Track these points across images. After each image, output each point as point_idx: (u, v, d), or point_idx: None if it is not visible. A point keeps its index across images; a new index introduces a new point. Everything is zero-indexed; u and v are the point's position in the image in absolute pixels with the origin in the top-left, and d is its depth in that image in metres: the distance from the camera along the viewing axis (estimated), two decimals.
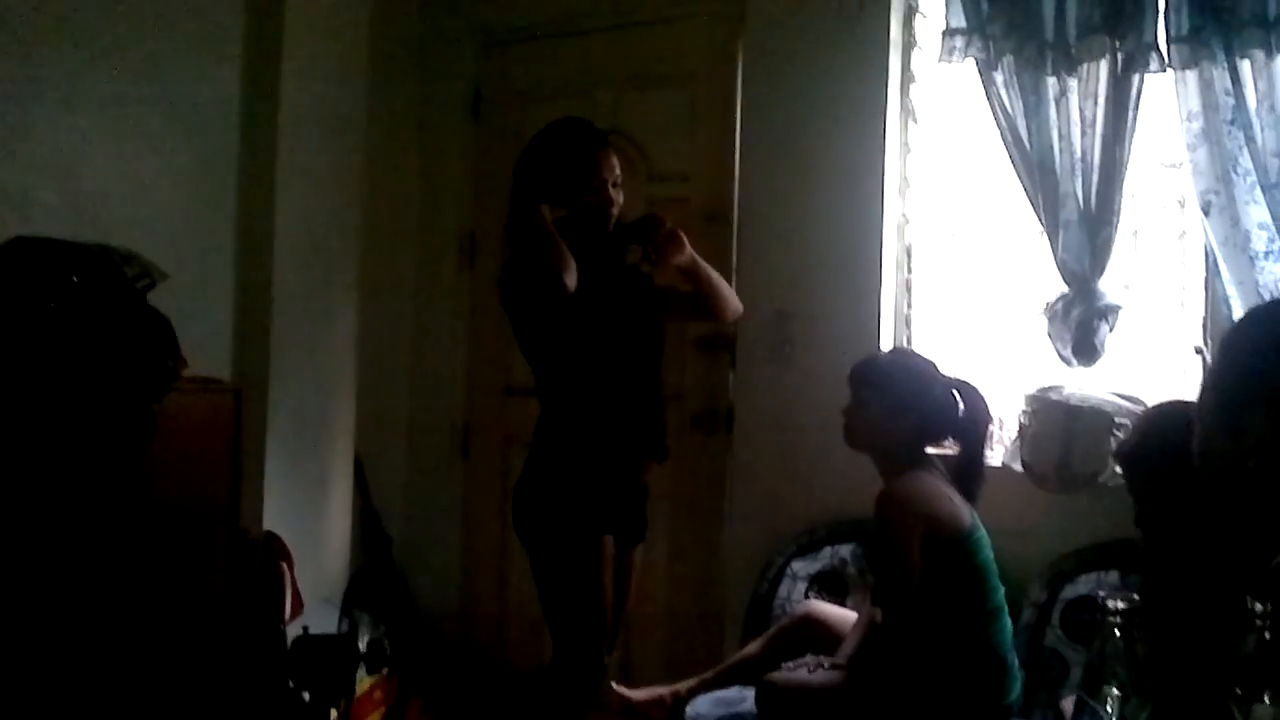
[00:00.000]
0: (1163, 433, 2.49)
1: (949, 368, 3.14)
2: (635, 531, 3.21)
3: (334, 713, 3.22)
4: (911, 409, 2.97)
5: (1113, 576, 3.16)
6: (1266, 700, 1.31)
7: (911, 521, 2.84)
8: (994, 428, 3.28)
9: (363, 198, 4.19)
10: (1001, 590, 2.94)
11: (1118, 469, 3.03)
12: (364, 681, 3.51)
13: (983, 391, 3.07)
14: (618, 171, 3.12)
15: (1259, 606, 1.37)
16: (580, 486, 3.05)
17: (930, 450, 3.05)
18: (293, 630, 3.32)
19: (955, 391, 3.04)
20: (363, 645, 3.22)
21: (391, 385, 4.55)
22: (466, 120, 4.58)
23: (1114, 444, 3.23)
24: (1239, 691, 1.32)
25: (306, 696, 3.04)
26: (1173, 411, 2.53)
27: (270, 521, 3.75)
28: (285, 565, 3.64)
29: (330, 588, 3.92)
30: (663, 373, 3.23)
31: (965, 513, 2.91)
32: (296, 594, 3.66)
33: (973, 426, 3.04)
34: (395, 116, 4.51)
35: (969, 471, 3.00)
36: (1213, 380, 1.99)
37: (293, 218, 3.89)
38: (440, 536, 4.57)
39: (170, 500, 3.02)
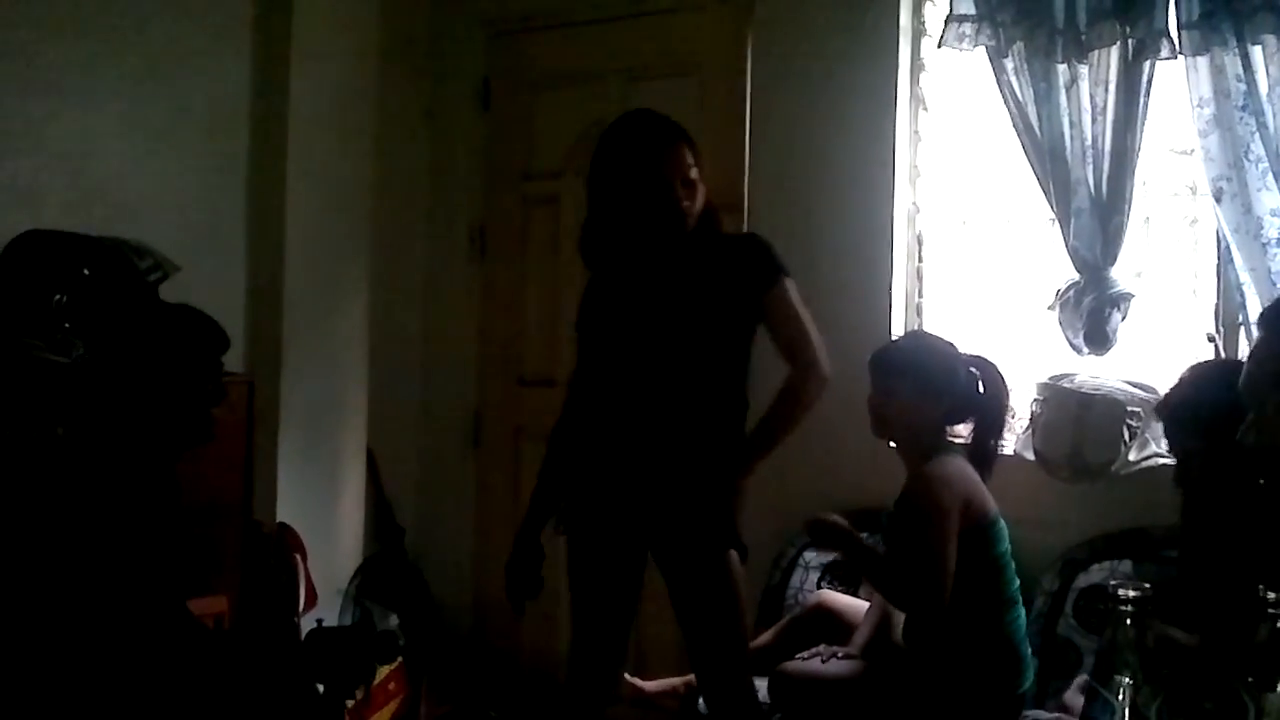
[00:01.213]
0: (1209, 388, 2.47)
1: (965, 348, 3.09)
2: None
3: (349, 704, 3.23)
4: (943, 392, 2.93)
5: (1126, 565, 3.16)
6: (1279, 689, 1.31)
7: (951, 503, 2.81)
8: (1012, 404, 3.24)
9: (372, 189, 4.19)
10: (1017, 581, 2.94)
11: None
12: (378, 672, 3.52)
13: (999, 367, 3.04)
14: (688, 169, 2.77)
15: (1271, 595, 1.37)
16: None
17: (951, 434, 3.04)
18: (307, 623, 3.33)
19: (974, 369, 3.01)
20: (376, 636, 3.23)
21: (403, 376, 4.56)
22: (476, 110, 4.58)
23: (1127, 434, 3.23)
24: (1251, 680, 1.32)
25: (321, 689, 3.05)
26: (1219, 368, 2.52)
27: (284, 514, 3.77)
28: (299, 557, 3.66)
29: (343, 580, 3.93)
30: (685, 428, 2.80)
31: (991, 500, 2.90)
32: (310, 586, 3.67)
33: (994, 404, 3.00)
34: (404, 107, 4.51)
35: (985, 451, 2.98)
36: (1264, 353, 1.94)
37: (303, 209, 3.89)
38: (452, 527, 4.58)
39: (185, 494, 3.03)
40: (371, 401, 4.26)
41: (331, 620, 3.40)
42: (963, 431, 3.06)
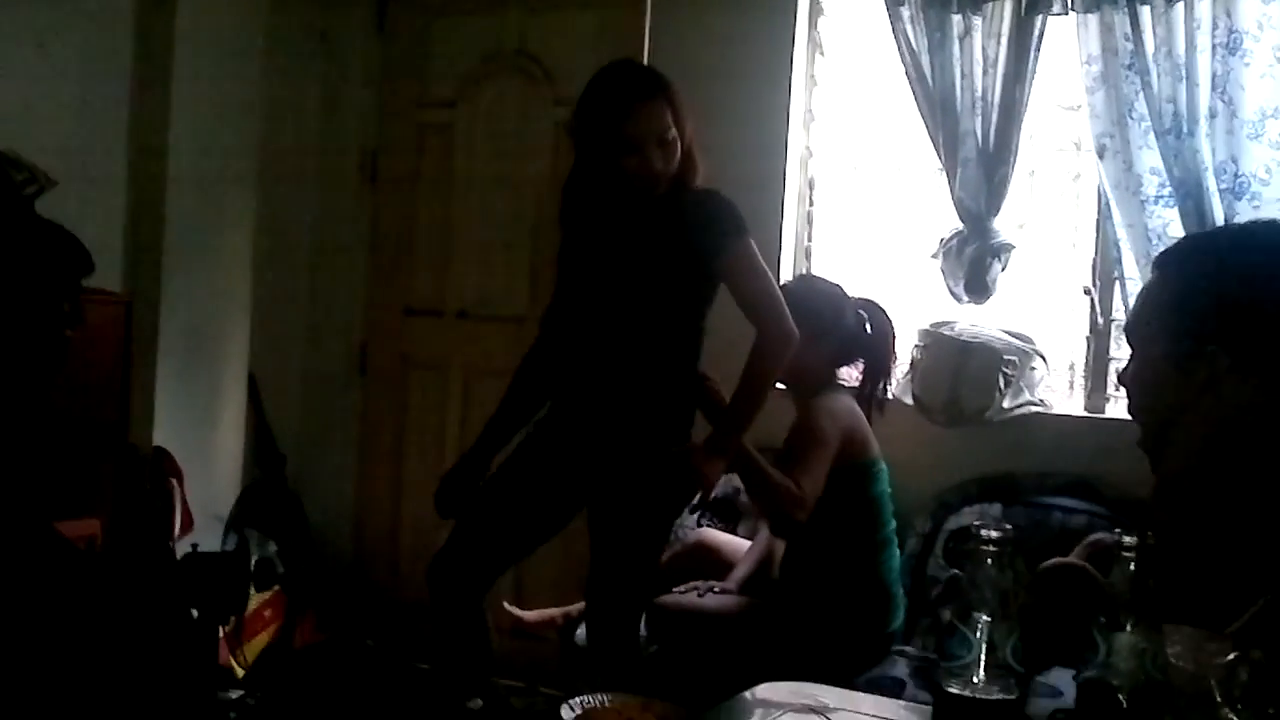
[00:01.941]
0: None
1: (852, 291, 3.14)
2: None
3: (223, 630, 3.20)
4: (830, 332, 2.98)
5: (995, 509, 3.25)
6: (1128, 629, 1.36)
7: (831, 432, 2.87)
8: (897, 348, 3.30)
9: (262, 108, 4.09)
10: (894, 522, 3.01)
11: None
12: (254, 599, 3.49)
13: (886, 309, 3.10)
14: (666, 127, 2.63)
15: (1127, 539, 1.42)
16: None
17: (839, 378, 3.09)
18: (183, 547, 3.29)
19: (861, 311, 3.07)
20: (253, 563, 3.20)
21: (289, 302, 4.48)
22: (371, 33, 4.48)
23: (1002, 381, 3.31)
24: (1103, 620, 1.37)
25: (195, 614, 3.02)
26: None
27: (160, 437, 3.70)
28: (175, 482, 3.60)
29: (222, 506, 3.88)
30: (646, 397, 2.74)
31: (873, 440, 2.96)
32: (186, 511, 3.62)
33: (880, 344, 3.08)
34: (298, 27, 4.39)
35: (873, 392, 3.06)
36: (1145, 297, 1.91)
37: (188, 127, 3.79)
38: (335, 456, 4.53)
39: (59, 415, 2.96)
40: (255, 326, 4.19)
41: (210, 547, 3.35)
42: (851, 375, 3.13)
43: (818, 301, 3.02)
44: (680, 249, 2.69)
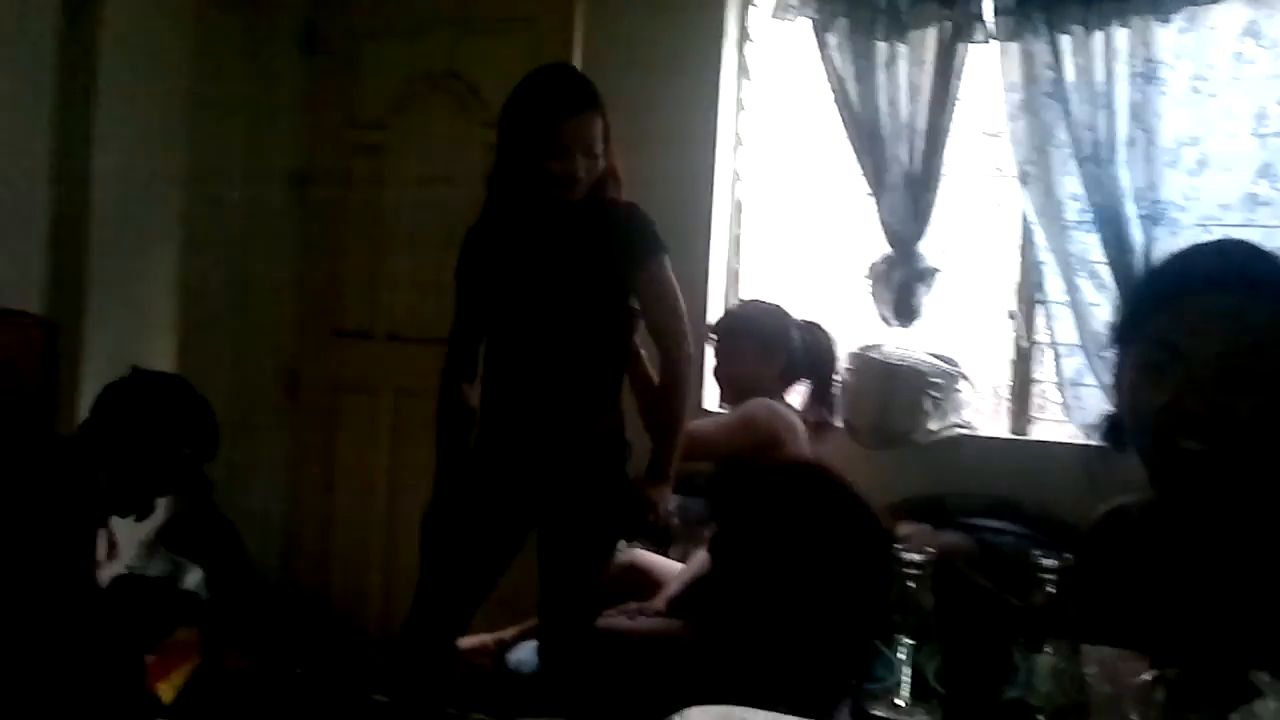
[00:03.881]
0: None
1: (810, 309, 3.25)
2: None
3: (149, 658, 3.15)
4: (778, 351, 3.10)
5: (925, 529, 3.28)
6: (1047, 650, 1.38)
7: (763, 422, 2.96)
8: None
9: (188, 128, 4.05)
10: None
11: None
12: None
13: (828, 330, 3.23)
14: (595, 138, 2.66)
15: (1045, 561, 1.44)
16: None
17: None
18: (113, 571, 3.24)
19: (805, 332, 3.18)
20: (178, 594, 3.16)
21: (216, 325, 4.43)
22: (298, 55, 4.45)
23: (929, 404, 3.36)
24: (1022, 641, 1.39)
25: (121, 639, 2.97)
26: None
27: None
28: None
29: (150, 532, 3.82)
30: (588, 407, 2.75)
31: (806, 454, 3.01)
32: (112, 537, 3.55)
33: (823, 363, 3.22)
34: (223, 46, 4.35)
35: (822, 408, 3.19)
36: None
37: (112, 146, 3.74)
38: (264, 480, 4.48)
39: None
40: (182, 349, 4.13)
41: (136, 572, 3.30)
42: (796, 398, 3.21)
43: (765, 322, 3.14)
44: (601, 262, 2.72)
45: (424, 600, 2.83)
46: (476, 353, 2.85)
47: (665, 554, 3.48)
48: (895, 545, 1.35)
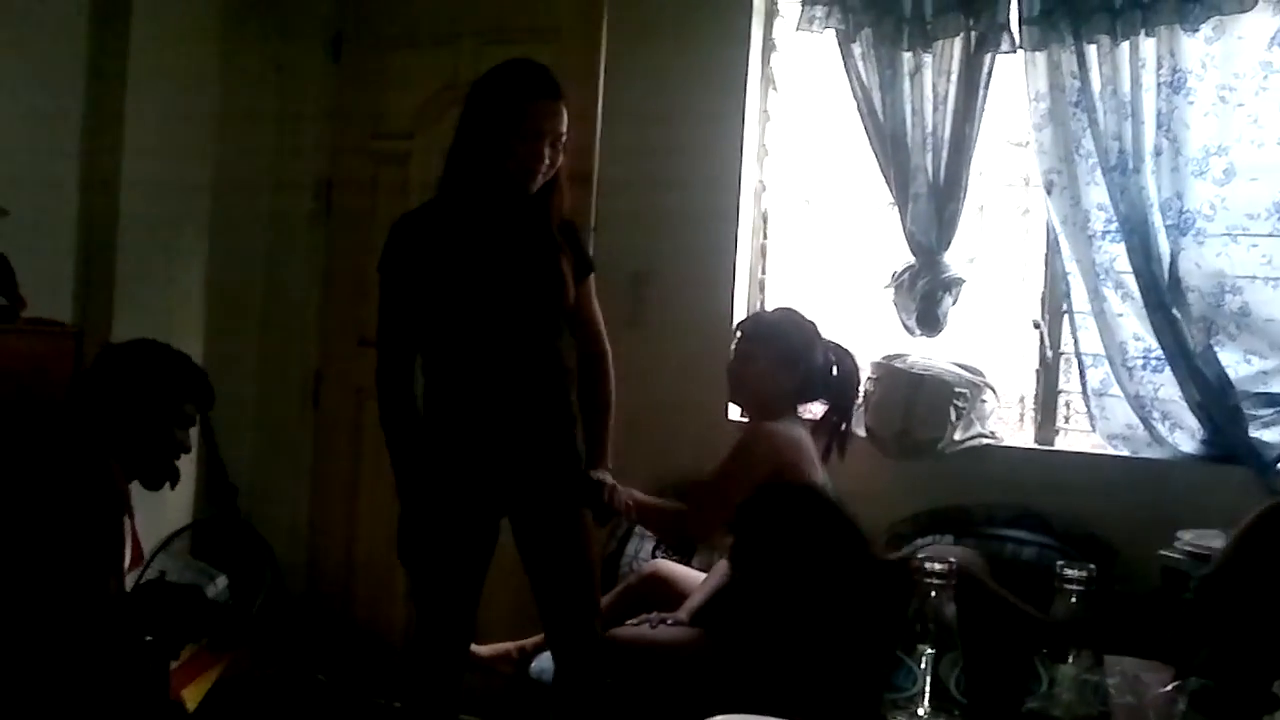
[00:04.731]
0: None
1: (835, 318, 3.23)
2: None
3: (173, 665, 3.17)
4: (798, 363, 3.05)
5: (947, 540, 3.27)
6: (1070, 661, 1.37)
7: (762, 455, 2.92)
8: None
9: (216, 137, 4.08)
10: None
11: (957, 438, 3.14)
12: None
13: (855, 357, 3.16)
14: (561, 131, 2.74)
15: (1070, 573, 1.44)
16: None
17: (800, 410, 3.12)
18: (133, 580, 3.25)
19: (832, 353, 3.12)
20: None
21: (242, 332, 4.46)
22: (326, 63, 4.48)
23: (953, 414, 3.34)
24: (1045, 652, 1.39)
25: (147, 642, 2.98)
26: None
27: None
28: (125, 515, 3.56)
29: (173, 537, 3.85)
30: (553, 394, 2.85)
31: (819, 473, 2.98)
32: (137, 544, 3.57)
33: (845, 388, 3.13)
34: (252, 55, 4.39)
35: (836, 433, 3.10)
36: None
37: (141, 156, 3.78)
38: (289, 487, 4.50)
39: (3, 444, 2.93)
40: (208, 357, 4.15)
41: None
42: (813, 412, 3.17)
43: (791, 331, 3.10)
44: (558, 263, 2.83)
45: (428, 614, 2.89)
46: (414, 350, 2.85)
47: (688, 562, 3.48)
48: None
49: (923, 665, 1.36)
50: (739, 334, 3.18)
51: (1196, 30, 3.11)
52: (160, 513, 3.87)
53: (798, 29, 3.55)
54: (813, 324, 3.14)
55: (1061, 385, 3.49)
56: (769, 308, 3.69)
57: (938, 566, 1.37)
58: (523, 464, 2.81)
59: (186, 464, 4.02)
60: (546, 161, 2.74)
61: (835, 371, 3.12)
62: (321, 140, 4.49)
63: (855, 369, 3.16)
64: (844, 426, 3.12)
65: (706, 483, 2.99)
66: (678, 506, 3.03)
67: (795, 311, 3.22)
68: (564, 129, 2.75)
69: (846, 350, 3.15)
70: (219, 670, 3.77)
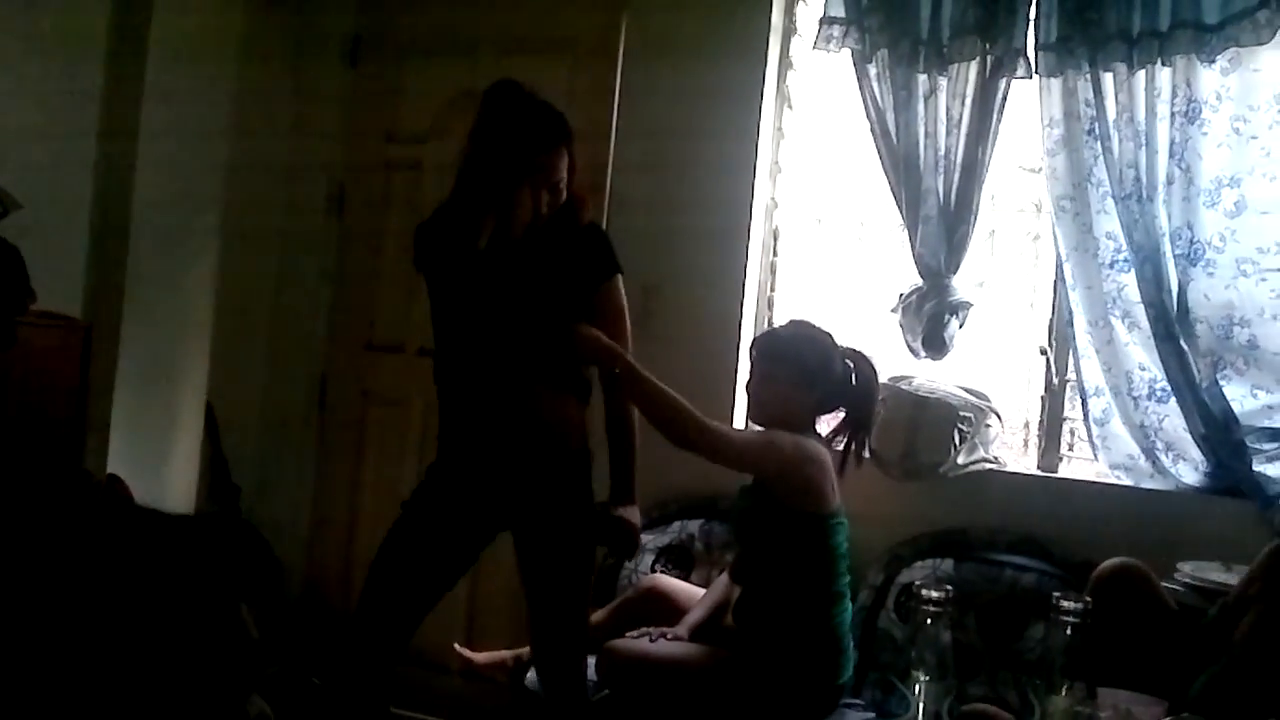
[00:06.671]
0: None
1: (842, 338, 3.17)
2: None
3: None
4: (817, 379, 3.01)
5: (948, 564, 3.27)
6: (1063, 692, 1.37)
7: (794, 454, 2.91)
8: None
9: (231, 138, 4.09)
10: (849, 576, 3.01)
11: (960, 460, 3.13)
12: None
13: (872, 361, 3.12)
14: (561, 176, 2.75)
15: (1066, 604, 1.44)
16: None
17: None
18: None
19: (849, 361, 3.08)
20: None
21: (250, 332, 4.46)
22: (343, 67, 4.50)
23: (957, 437, 3.34)
24: (1038, 683, 1.39)
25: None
26: None
27: (115, 465, 3.66)
28: None
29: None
30: (536, 413, 2.82)
31: (836, 493, 2.98)
32: None
33: (864, 396, 3.09)
34: (269, 57, 4.39)
35: (851, 443, 3.07)
36: None
37: (156, 154, 3.77)
38: (291, 489, 4.51)
39: (9, 438, 2.94)
40: (215, 356, 4.17)
41: None
42: (830, 423, 3.15)
43: (808, 346, 3.05)
44: (564, 280, 2.80)
45: (373, 591, 2.86)
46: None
47: (687, 577, 3.48)
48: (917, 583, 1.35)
49: (916, 690, 1.36)
50: (754, 353, 3.12)
51: (1213, 62, 3.12)
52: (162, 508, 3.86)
53: (814, 48, 3.56)
54: (827, 334, 3.10)
55: (1067, 412, 3.48)
56: (780, 322, 3.68)
57: (934, 594, 1.37)
58: (520, 484, 2.80)
59: (189, 461, 4.09)
60: (544, 208, 2.74)
61: (854, 380, 3.07)
62: (336, 141, 4.50)
63: (874, 374, 3.09)
64: (861, 434, 3.09)
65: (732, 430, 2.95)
66: (691, 410, 2.86)
67: (808, 324, 3.18)
68: (564, 172, 2.75)
69: (863, 355, 3.10)
70: None
